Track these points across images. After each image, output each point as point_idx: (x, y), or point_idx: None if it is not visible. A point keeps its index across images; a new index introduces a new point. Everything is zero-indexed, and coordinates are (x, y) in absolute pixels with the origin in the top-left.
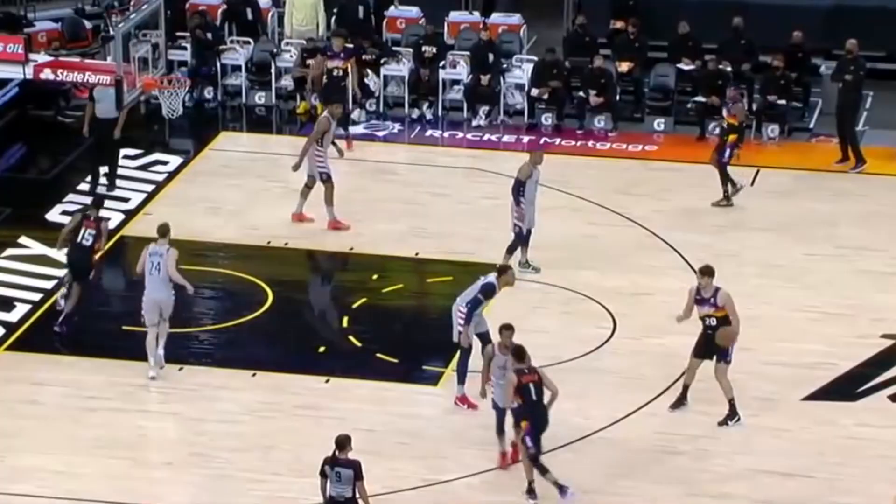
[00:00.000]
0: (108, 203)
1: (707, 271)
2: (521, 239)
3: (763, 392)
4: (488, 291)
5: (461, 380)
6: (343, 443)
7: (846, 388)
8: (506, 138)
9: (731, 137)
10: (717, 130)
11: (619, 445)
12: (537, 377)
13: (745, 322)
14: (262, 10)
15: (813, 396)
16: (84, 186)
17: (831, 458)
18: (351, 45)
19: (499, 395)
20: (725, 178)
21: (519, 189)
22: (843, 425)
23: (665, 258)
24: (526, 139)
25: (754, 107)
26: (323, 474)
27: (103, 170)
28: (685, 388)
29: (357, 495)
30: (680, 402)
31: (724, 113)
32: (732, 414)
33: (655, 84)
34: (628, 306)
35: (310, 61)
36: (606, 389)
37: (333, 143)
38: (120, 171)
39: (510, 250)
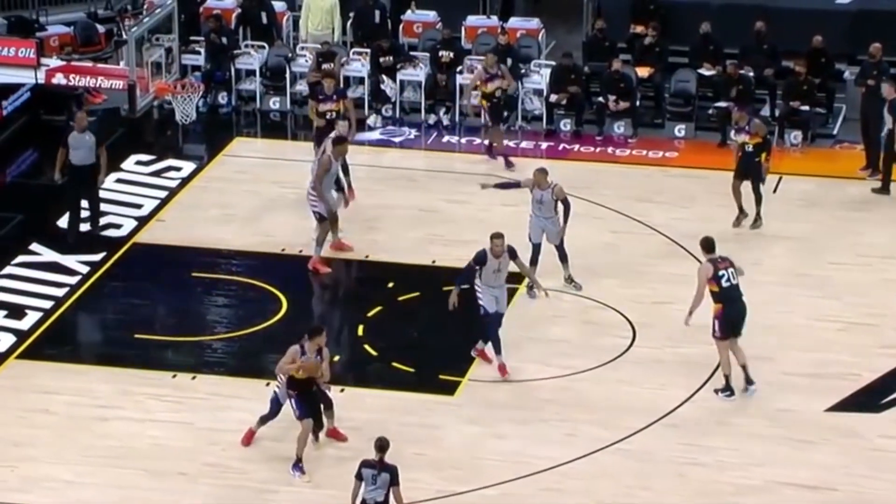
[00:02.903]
0: (119, 209)
1: (700, 243)
2: (533, 251)
3: (785, 403)
4: (478, 258)
5: (497, 350)
6: (383, 446)
7: (870, 399)
8: (524, 144)
9: (764, 156)
10: (740, 154)
11: (639, 456)
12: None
13: (767, 331)
14: (277, 14)
15: (836, 407)
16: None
17: (856, 470)
18: (342, 86)
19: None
20: (760, 198)
21: (510, 186)
22: (868, 437)
23: (685, 266)
24: (544, 145)
25: (776, 112)
26: (359, 476)
27: (86, 205)
28: (743, 368)
29: (391, 501)
30: (747, 382)
31: (745, 137)
32: (725, 388)
33: (676, 89)
34: (648, 315)
35: (325, 66)
36: (626, 399)
37: (340, 190)
38: (133, 178)
39: (531, 262)
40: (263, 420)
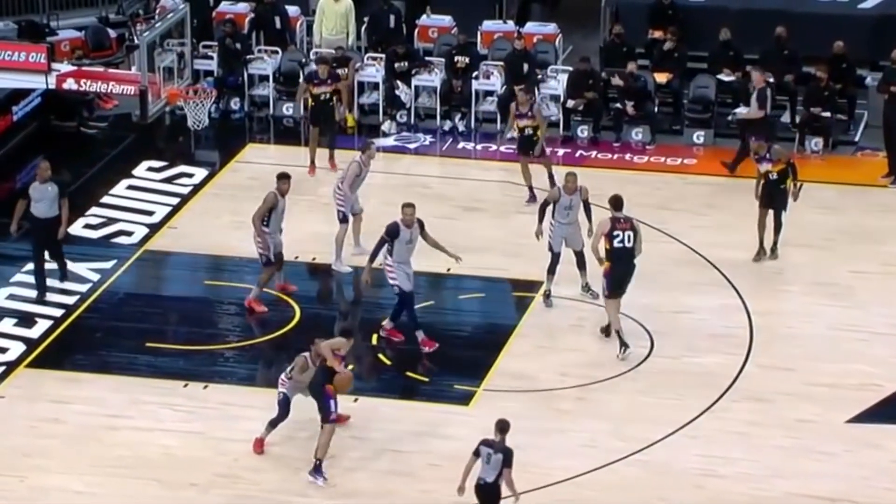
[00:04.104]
0: (130, 216)
1: (609, 200)
2: (552, 259)
3: (806, 414)
4: (390, 230)
5: (416, 326)
6: (504, 427)
7: (892, 410)
8: None
9: (790, 182)
10: (764, 182)
11: (657, 468)
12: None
13: (788, 341)
14: (291, 18)
15: (858, 419)
16: (110, 199)
17: (877, 482)
18: (336, 69)
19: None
20: (780, 227)
21: (542, 209)
22: (890, 449)
23: (704, 275)
24: (561, 152)
25: (797, 119)
26: (476, 453)
27: (51, 264)
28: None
29: (501, 482)
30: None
31: (767, 166)
32: (621, 345)
33: (695, 95)
34: (666, 324)
35: (339, 71)
36: (643, 410)
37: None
38: (145, 184)
39: (549, 271)
40: (273, 424)
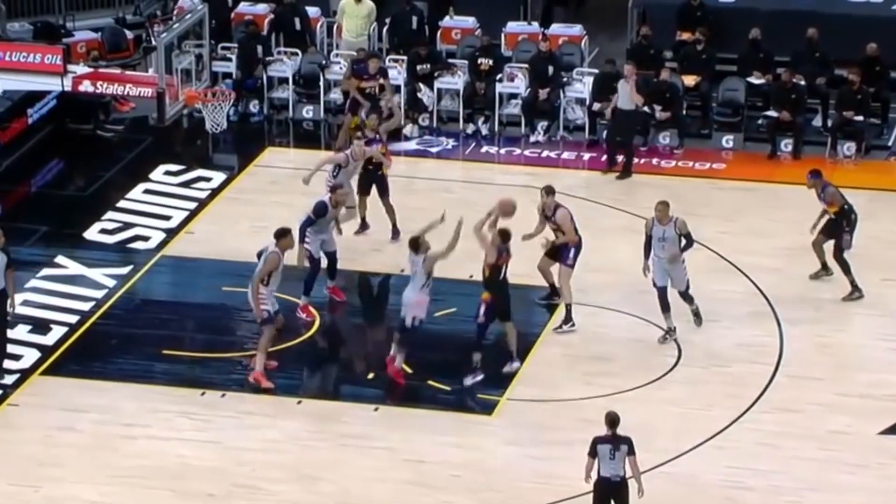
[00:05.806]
0: (147, 221)
1: (544, 188)
2: (658, 295)
3: (837, 425)
4: (318, 209)
5: (306, 292)
6: (615, 420)
7: None
8: (565, 155)
9: (844, 224)
10: (825, 216)
11: (685, 480)
12: None
13: (820, 350)
14: (311, 19)
15: (891, 430)
16: (126, 204)
17: None
18: (384, 65)
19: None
20: (845, 267)
21: (646, 243)
22: None
23: (733, 282)
24: (587, 156)
25: (829, 123)
26: (592, 454)
27: None
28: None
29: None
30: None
31: (824, 206)
32: (566, 319)
33: (724, 98)
34: (694, 333)
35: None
36: (671, 420)
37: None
38: (162, 188)
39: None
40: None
